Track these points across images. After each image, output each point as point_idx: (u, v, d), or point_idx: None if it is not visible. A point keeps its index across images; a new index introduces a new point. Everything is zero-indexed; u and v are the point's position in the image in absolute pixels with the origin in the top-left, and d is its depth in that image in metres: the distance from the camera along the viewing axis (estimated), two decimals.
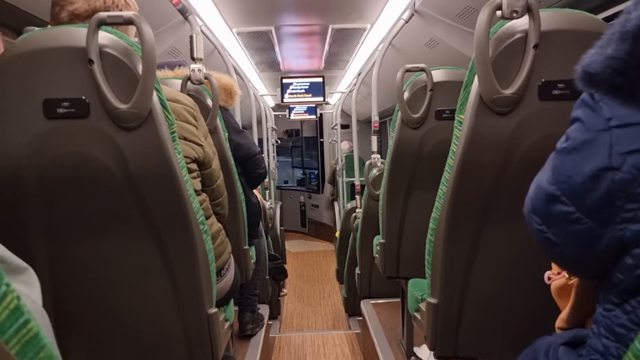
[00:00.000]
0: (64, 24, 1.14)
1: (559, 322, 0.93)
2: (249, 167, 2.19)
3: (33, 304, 0.53)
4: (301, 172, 9.22)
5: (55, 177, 1.07)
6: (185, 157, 1.23)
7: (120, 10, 1.19)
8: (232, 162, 1.91)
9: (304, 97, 5.07)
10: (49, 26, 1.10)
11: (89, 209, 1.12)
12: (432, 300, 1.33)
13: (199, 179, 1.40)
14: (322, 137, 8.56)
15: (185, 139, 1.31)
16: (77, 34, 1.02)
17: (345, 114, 7.06)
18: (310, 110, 6.54)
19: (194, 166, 1.35)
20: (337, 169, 6.37)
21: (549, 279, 0.96)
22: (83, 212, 1.12)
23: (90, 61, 1.00)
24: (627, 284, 0.61)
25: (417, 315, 1.56)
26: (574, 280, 0.88)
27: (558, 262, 0.86)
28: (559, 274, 0.93)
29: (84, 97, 1.02)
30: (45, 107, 1.02)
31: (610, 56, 0.57)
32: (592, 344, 0.69)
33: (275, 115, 6.48)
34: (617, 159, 0.58)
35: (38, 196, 1.08)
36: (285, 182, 9.46)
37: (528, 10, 1.02)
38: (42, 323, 0.48)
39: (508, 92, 1.06)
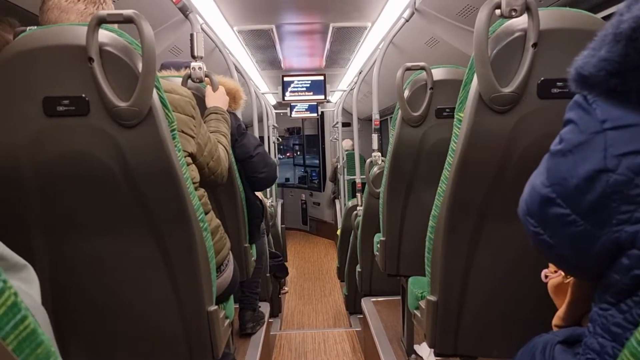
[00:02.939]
0: (52, 22, 1.14)
1: (556, 320, 0.94)
2: (247, 169, 2.15)
3: (32, 301, 0.54)
4: (302, 169, 9.22)
5: (55, 175, 1.08)
6: (183, 150, 1.23)
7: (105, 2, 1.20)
8: (233, 159, 1.92)
9: (305, 95, 5.06)
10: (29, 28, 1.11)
11: (89, 207, 1.12)
12: (432, 298, 1.33)
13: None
14: (323, 135, 8.57)
15: (182, 132, 1.31)
16: (77, 32, 1.02)
17: (346, 112, 7.06)
18: (312, 109, 6.54)
19: (190, 159, 1.35)
20: (339, 167, 6.37)
21: (546, 277, 0.96)
22: (83, 209, 1.12)
23: (90, 59, 1.00)
24: (623, 284, 0.61)
25: (417, 313, 1.56)
26: (570, 279, 0.88)
27: (554, 262, 0.86)
28: (555, 272, 0.94)
29: (84, 95, 1.02)
30: (45, 104, 1.02)
31: (604, 58, 0.57)
32: (588, 343, 0.69)
33: (276, 113, 6.48)
34: (612, 161, 0.57)
35: (38, 194, 1.08)
36: (287, 179, 9.46)
37: (527, 9, 1.02)
38: (40, 320, 0.48)
39: (507, 90, 1.07)
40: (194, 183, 1.28)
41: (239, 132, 2.09)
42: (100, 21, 1.01)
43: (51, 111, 1.03)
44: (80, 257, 1.16)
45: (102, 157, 1.07)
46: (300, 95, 5.08)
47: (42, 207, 1.10)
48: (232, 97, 2.07)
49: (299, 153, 9.39)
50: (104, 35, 1.03)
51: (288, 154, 9.56)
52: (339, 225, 5.19)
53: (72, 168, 1.07)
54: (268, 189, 4.76)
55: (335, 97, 6.90)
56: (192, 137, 1.36)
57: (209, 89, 1.79)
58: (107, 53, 1.02)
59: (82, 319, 1.22)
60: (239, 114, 2.22)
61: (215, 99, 1.76)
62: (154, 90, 1.06)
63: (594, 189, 0.60)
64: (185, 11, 2.07)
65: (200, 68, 1.73)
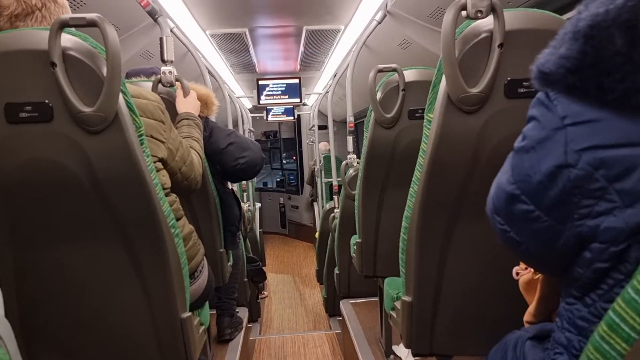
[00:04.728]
0: (6, 29, 1.11)
1: (527, 316, 0.95)
2: (224, 161, 2.04)
3: None
4: (280, 173, 9.20)
5: (19, 183, 1.05)
6: (152, 155, 1.21)
7: (56, 2, 1.17)
8: (206, 164, 1.90)
9: (280, 98, 5.05)
10: None
11: (56, 216, 1.10)
12: (407, 299, 1.34)
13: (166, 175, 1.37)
14: (300, 138, 8.56)
15: (151, 137, 1.29)
16: (38, 36, 1.00)
17: (322, 115, 7.07)
18: (288, 112, 6.52)
19: (160, 165, 1.33)
20: (316, 169, 6.37)
21: (517, 274, 0.98)
22: (49, 218, 1.10)
23: (53, 64, 0.98)
24: (587, 277, 0.62)
25: (393, 313, 1.57)
26: (540, 275, 0.90)
27: (523, 259, 0.87)
28: (526, 269, 0.95)
29: (47, 101, 1.00)
30: (6, 111, 0.99)
31: (564, 55, 0.58)
32: (556, 338, 0.70)
33: (252, 117, 6.44)
34: (572, 156, 0.58)
35: (2, 203, 1.05)
36: (265, 183, 9.42)
37: (492, 10, 1.04)
38: (4, 333, 0.47)
39: (475, 90, 1.08)
40: (164, 189, 1.25)
41: (208, 130, 2.05)
42: (63, 25, 0.99)
43: (13, 118, 1.00)
44: (47, 267, 1.14)
45: (68, 164, 1.04)
46: (275, 99, 5.06)
47: (7, 216, 1.08)
48: (204, 103, 2.05)
49: (277, 157, 9.37)
50: (67, 39, 1.01)
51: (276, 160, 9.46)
52: (318, 228, 5.19)
53: (37, 176, 1.05)
54: (245, 193, 4.72)
55: (311, 100, 6.91)
56: (162, 142, 1.34)
57: (179, 93, 1.76)
58: (71, 57, 1.00)
59: (51, 329, 1.19)
60: (213, 117, 2.19)
61: (186, 105, 1.74)
62: (120, 95, 1.04)
63: (556, 184, 0.61)
64: (154, 15, 2.05)
65: (170, 72, 1.72)
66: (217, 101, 2.13)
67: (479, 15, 1.04)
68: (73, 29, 1.03)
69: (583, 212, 0.59)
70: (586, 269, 0.61)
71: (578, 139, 0.58)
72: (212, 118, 2.16)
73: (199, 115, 2.00)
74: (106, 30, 1.01)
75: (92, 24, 1.01)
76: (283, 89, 5.02)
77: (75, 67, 1.00)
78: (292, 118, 6.70)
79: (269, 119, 6.52)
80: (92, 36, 1.07)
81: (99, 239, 1.13)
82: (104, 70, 1.02)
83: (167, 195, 1.30)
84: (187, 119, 1.69)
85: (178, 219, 1.34)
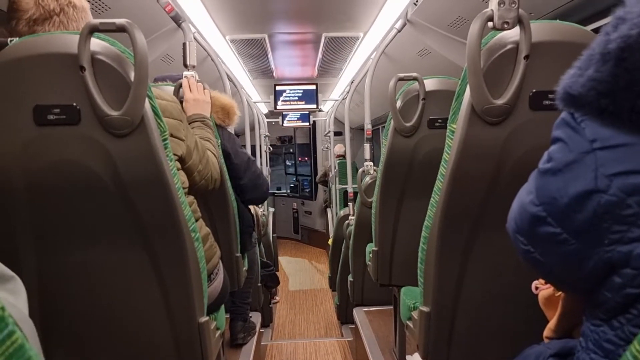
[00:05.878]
0: (25, 34, 1.13)
1: (547, 332, 0.93)
2: (235, 188, 2.10)
3: (19, 314, 0.53)
4: (294, 178, 9.22)
5: (44, 185, 1.06)
6: (173, 154, 1.22)
7: (75, 7, 1.19)
8: (225, 169, 1.91)
9: (297, 104, 5.07)
10: (9, 39, 1.09)
11: (79, 217, 1.11)
12: (425, 309, 1.33)
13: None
14: (315, 144, 8.57)
15: (172, 135, 1.30)
16: (68, 40, 1.02)
17: (338, 122, 7.08)
18: (304, 118, 6.55)
19: (179, 164, 1.34)
20: (330, 175, 6.37)
21: (536, 288, 0.96)
22: (73, 220, 1.11)
23: (82, 68, 0.99)
24: (615, 302, 0.60)
25: (410, 323, 1.56)
26: (561, 292, 0.88)
27: (545, 279, 0.86)
28: (546, 284, 0.94)
29: (74, 104, 1.01)
30: (35, 113, 1.01)
31: (593, 78, 0.57)
32: (580, 358, 0.69)
33: (268, 122, 6.48)
34: (603, 181, 0.57)
35: (27, 204, 1.07)
36: (279, 188, 9.45)
37: (519, 21, 1.03)
38: (28, 333, 0.47)
39: (500, 102, 1.07)
40: (183, 188, 1.26)
41: (234, 150, 2.08)
42: (93, 30, 1.00)
43: (42, 120, 1.02)
44: (69, 268, 1.15)
45: (93, 166, 1.05)
46: (292, 105, 5.08)
47: (32, 217, 1.09)
48: (226, 112, 2.07)
49: (291, 164, 9.39)
50: (96, 44, 1.02)
51: (288, 163, 9.49)
52: (331, 234, 5.18)
53: (62, 177, 1.06)
54: None
55: (327, 106, 6.92)
56: (182, 140, 1.35)
57: (187, 94, 1.72)
58: (99, 62, 1.02)
59: (71, 330, 1.20)
60: (231, 129, 2.20)
61: (195, 106, 1.71)
62: (146, 99, 1.05)
63: (585, 208, 0.59)
64: (177, 20, 2.07)
65: (192, 77, 1.73)
66: (239, 111, 2.14)
67: (506, 26, 1.04)
68: (102, 34, 1.05)
69: (614, 237, 0.58)
70: (615, 294, 0.60)
71: (609, 164, 0.56)
72: (230, 129, 2.17)
73: (219, 125, 2.03)
74: (135, 36, 1.02)
75: (121, 29, 1.03)
76: (300, 94, 5.04)
77: (103, 71, 1.02)
78: (307, 124, 6.73)
79: (284, 124, 6.56)
80: (120, 41, 1.08)
81: (121, 241, 1.14)
82: (132, 75, 1.03)
83: (185, 195, 1.31)
84: (198, 120, 1.69)
85: (195, 221, 1.35)
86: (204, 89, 1.76)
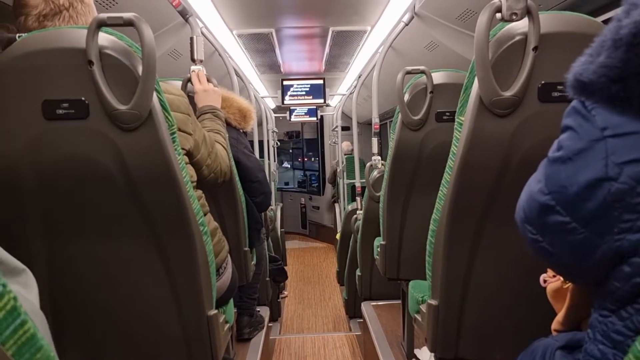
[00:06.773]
0: (35, 29, 1.13)
1: (555, 325, 0.93)
2: (247, 191, 2.13)
3: (30, 306, 0.53)
4: (302, 173, 9.22)
5: (54, 178, 1.07)
6: (181, 148, 1.22)
7: (83, 2, 1.19)
8: (233, 164, 1.91)
9: (304, 99, 5.06)
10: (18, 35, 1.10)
11: (88, 211, 1.12)
12: (433, 302, 1.33)
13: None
14: (323, 139, 8.57)
15: (179, 129, 1.30)
16: (76, 35, 1.02)
17: (345, 116, 7.07)
18: (311, 112, 6.54)
19: (186, 158, 1.34)
20: (338, 170, 6.37)
21: (545, 281, 0.96)
22: (82, 213, 1.12)
23: (90, 62, 1.00)
24: (624, 291, 0.60)
25: (418, 317, 1.56)
26: (569, 284, 0.88)
27: (554, 269, 0.86)
28: (554, 276, 0.93)
29: (83, 98, 1.02)
30: (44, 107, 1.02)
31: (604, 64, 0.56)
32: (588, 350, 0.68)
33: (275, 117, 6.48)
34: (613, 169, 0.56)
35: (37, 197, 1.08)
36: (286, 183, 9.46)
37: (527, 12, 1.02)
38: (39, 324, 0.48)
39: (508, 94, 1.06)
40: (191, 182, 1.27)
41: (246, 153, 2.10)
42: (101, 24, 1.01)
43: (50, 114, 1.02)
44: (78, 261, 1.16)
45: (102, 160, 1.06)
46: (299, 99, 5.08)
47: (42, 210, 1.10)
48: (243, 115, 2.08)
49: (299, 160, 9.40)
50: (104, 38, 1.03)
51: (299, 159, 9.50)
52: (339, 229, 5.18)
53: (71, 171, 1.07)
54: None
55: (334, 101, 6.91)
56: (190, 134, 1.35)
57: (197, 86, 1.73)
58: (107, 56, 1.02)
59: (80, 323, 1.21)
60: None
61: (206, 98, 1.71)
62: (154, 94, 1.05)
63: (595, 197, 0.59)
64: (185, 15, 2.07)
65: (201, 70, 1.73)
66: (255, 116, 2.15)
67: (514, 17, 1.03)
68: (110, 28, 1.05)
69: (624, 226, 0.57)
70: (624, 283, 0.60)
71: (620, 152, 0.56)
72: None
73: (235, 128, 2.04)
74: (143, 30, 1.02)
75: (129, 23, 1.03)
76: (307, 89, 5.03)
77: (111, 65, 1.02)
78: (314, 119, 6.72)
79: (292, 119, 6.55)
80: (128, 35, 1.09)
81: (130, 234, 1.15)
82: (139, 69, 1.03)
83: (193, 189, 1.31)
84: (209, 112, 1.69)
85: (204, 215, 1.35)
86: (215, 85, 1.76)
